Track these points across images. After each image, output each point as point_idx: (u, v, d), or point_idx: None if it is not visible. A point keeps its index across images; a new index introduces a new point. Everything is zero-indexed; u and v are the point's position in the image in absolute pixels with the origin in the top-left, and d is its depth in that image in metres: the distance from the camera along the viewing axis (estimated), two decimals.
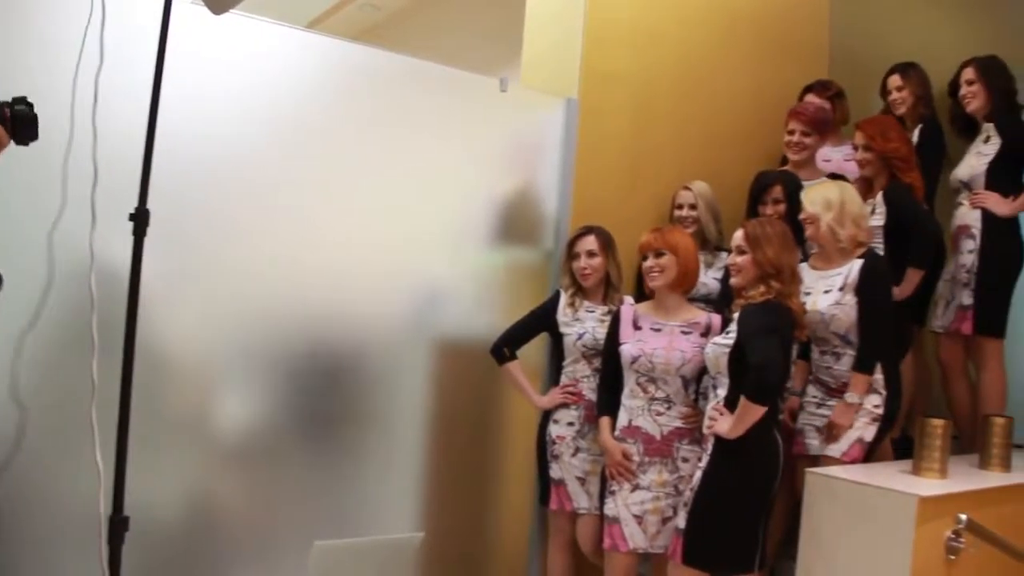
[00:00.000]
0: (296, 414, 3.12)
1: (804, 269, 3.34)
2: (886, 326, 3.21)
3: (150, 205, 2.34)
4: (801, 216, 3.32)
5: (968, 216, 3.74)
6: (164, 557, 2.86)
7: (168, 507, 2.87)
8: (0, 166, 2.09)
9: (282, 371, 3.10)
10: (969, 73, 3.78)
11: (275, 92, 3.09)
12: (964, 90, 3.80)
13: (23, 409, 2.41)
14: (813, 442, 3.25)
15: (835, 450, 3.16)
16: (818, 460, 3.18)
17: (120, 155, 2.40)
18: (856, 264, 3.19)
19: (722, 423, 2.90)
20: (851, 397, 3.12)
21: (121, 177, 2.32)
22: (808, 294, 3.26)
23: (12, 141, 1.98)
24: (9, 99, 1.99)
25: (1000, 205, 3.66)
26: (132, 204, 2.32)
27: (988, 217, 3.67)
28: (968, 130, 3.90)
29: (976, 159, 3.76)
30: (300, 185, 3.14)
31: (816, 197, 3.27)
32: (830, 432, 3.17)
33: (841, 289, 3.19)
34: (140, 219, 2.31)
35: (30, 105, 2.02)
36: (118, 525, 2.24)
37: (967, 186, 3.78)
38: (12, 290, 2.15)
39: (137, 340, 2.31)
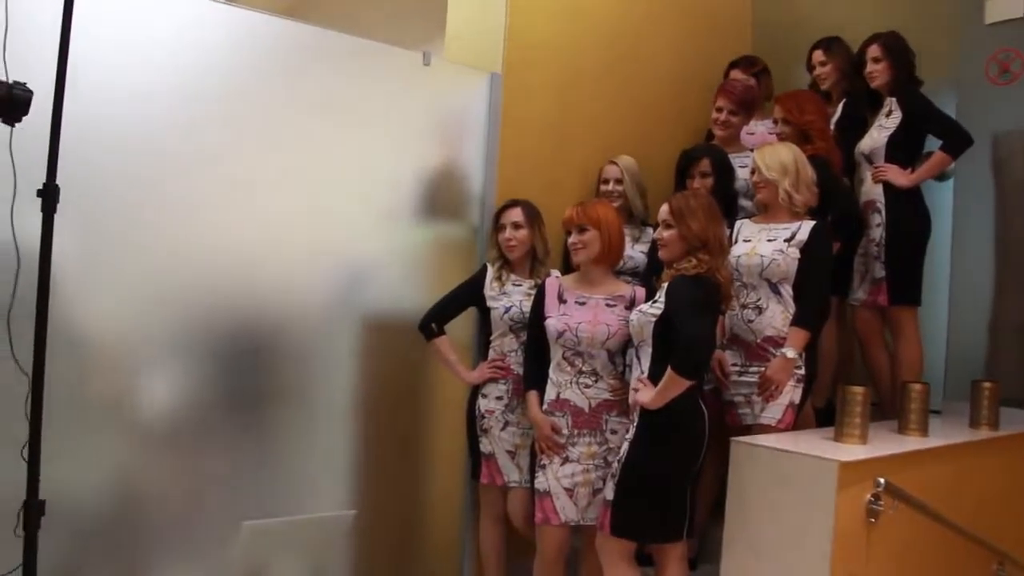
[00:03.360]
0: (223, 394, 3.07)
1: (746, 223, 3.43)
2: (826, 288, 3.30)
3: (63, 181, 2.26)
4: (755, 179, 3.36)
5: (872, 191, 3.83)
6: (91, 540, 2.80)
7: (92, 491, 2.80)
8: None
9: (208, 350, 3.04)
10: (874, 51, 3.86)
11: (194, 66, 3.00)
12: (870, 67, 3.87)
13: None
14: (746, 411, 3.30)
15: (769, 418, 3.22)
16: (753, 429, 3.24)
17: (32, 129, 2.30)
18: (807, 224, 3.27)
19: (644, 393, 2.91)
20: (789, 352, 3.18)
21: (33, 152, 2.23)
22: (748, 241, 3.34)
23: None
24: (11, 81, 2.14)
25: (900, 177, 3.75)
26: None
27: (891, 190, 3.76)
28: (874, 105, 3.98)
29: (878, 132, 3.85)
30: (221, 161, 3.06)
31: (772, 162, 3.30)
32: (766, 388, 3.21)
33: (787, 241, 3.26)
34: (49, 195, 2.23)
35: (29, 91, 2.16)
36: (33, 509, 2.18)
37: (869, 159, 3.87)
38: None
39: (54, 320, 2.24)
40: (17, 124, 2.18)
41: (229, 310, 3.09)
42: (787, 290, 3.27)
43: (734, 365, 3.35)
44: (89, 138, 2.66)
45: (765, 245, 3.30)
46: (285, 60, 3.23)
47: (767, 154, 3.35)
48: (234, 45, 3.10)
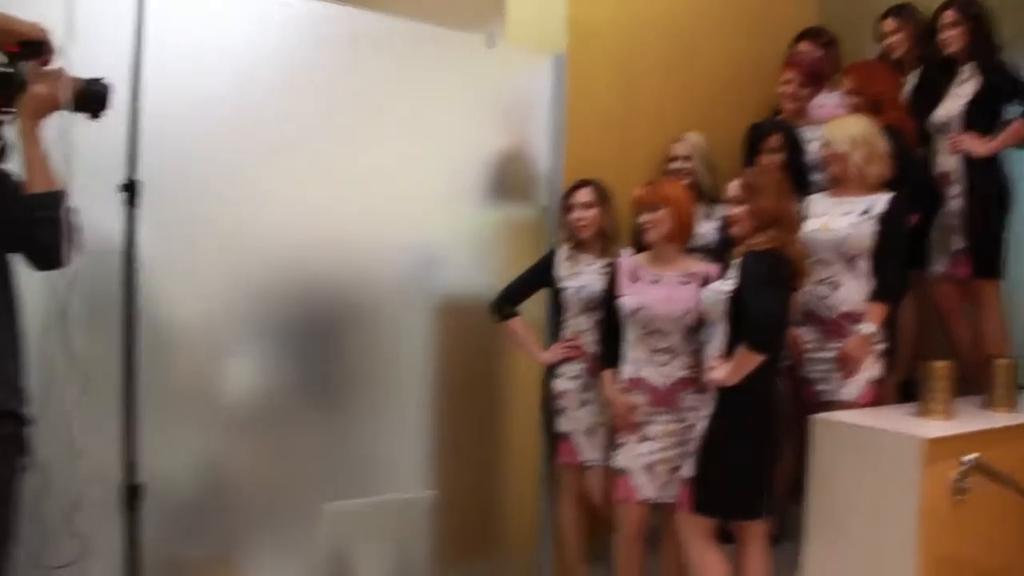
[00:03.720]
0: (301, 378, 3.12)
1: (818, 198, 3.39)
2: (903, 262, 3.26)
3: (144, 176, 2.31)
4: (824, 154, 3.31)
5: (949, 161, 3.69)
6: (180, 522, 2.88)
7: (182, 474, 2.88)
8: None
9: (285, 337, 3.09)
10: (950, 16, 3.71)
11: (259, 56, 3.03)
12: (945, 33, 3.72)
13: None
14: (824, 388, 3.26)
15: (849, 395, 3.18)
16: (831, 405, 3.20)
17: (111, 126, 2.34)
18: (883, 197, 3.23)
19: (719, 371, 2.91)
20: (867, 328, 3.14)
21: (112, 149, 2.27)
22: (820, 216, 3.30)
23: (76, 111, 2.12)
24: (92, 77, 2.15)
25: (978, 145, 3.60)
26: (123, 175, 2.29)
27: (969, 160, 3.63)
28: (949, 73, 3.82)
29: (953, 101, 3.70)
30: (291, 150, 3.09)
31: (842, 135, 3.26)
32: (844, 365, 3.17)
33: (862, 214, 3.22)
34: (131, 190, 2.28)
35: (106, 84, 2.16)
36: (133, 492, 2.24)
37: (944, 129, 3.73)
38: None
39: (141, 311, 2.29)
40: (98, 119, 2.21)
41: (306, 296, 3.14)
42: (863, 264, 3.22)
43: (809, 342, 3.31)
44: (160, 131, 2.67)
45: (839, 219, 3.26)
46: (352, 48, 3.25)
47: (837, 127, 3.31)
48: (299, 34, 3.13)
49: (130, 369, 2.27)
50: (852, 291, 3.22)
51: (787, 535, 3.42)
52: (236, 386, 3.03)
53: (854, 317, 3.20)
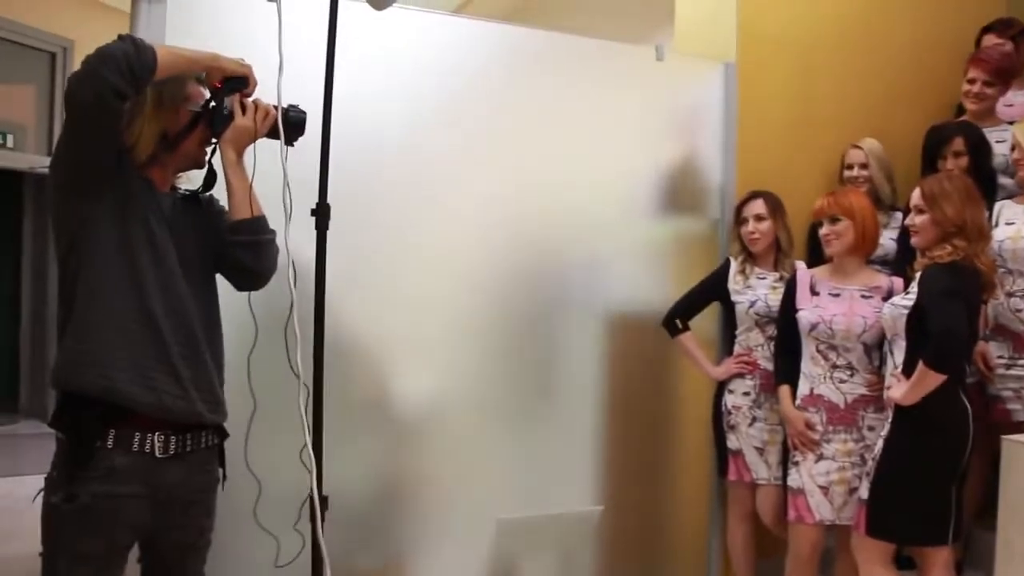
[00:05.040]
0: (474, 393, 3.19)
1: (1008, 204, 3.25)
2: None
3: (329, 199, 2.41)
4: (1015, 156, 3.15)
5: None
6: (356, 533, 2.99)
7: (358, 485, 3.00)
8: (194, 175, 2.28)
9: (459, 351, 3.17)
10: None
11: (433, 79, 3.13)
12: None
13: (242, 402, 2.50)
14: (1017, 407, 3.09)
15: None
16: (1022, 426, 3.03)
17: (297, 153, 2.44)
18: None
19: (897, 389, 2.80)
20: None
21: (299, 174, 2.38)
22: (1011, 224, 3.15)
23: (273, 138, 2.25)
24: (288, 105, 2.27)
25: None
26: (311, 200, 2.36)
27: None
28: None
29: None
30: (465, 168, 3.18)
31: None
32: None
33: None
34: (322, 213, 2.38)
35: (303, 112, 2.29)
36: (319, 504, 2.34)
37: None
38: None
39: (327, 329, 2.39)
40: (293, 145, 2.33)
41: (480, 311, 3.20)
42: None
43: (1000, 357, 3.16)
44: (348, 156, 2.76)
45: None
46: (522, 66, 3.32)
47: None
48: (469, 55, 3.21)
49: (319, 384, 2.36)
50: None
51: (975, 563, 3.26)
52: (411, 400, 3.12)
53: None
